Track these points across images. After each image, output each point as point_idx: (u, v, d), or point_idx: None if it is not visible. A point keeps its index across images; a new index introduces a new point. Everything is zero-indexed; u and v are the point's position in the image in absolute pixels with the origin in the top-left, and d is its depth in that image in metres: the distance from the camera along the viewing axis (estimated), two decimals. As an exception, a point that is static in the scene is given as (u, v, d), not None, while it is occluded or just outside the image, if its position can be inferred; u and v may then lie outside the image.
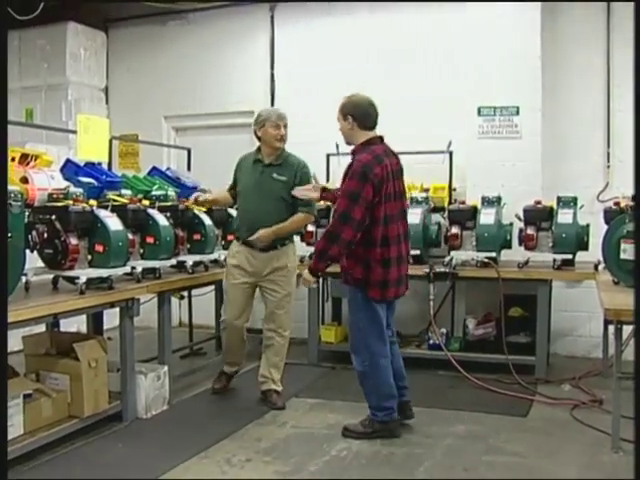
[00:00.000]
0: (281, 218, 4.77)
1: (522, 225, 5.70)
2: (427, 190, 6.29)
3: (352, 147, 4.22)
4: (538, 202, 5.70)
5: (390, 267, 4.12)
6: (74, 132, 5.11)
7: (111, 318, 5.09)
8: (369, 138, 4.15)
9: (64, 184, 4.36)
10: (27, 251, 4.03)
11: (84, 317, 5.27)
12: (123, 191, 4.84)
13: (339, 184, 4.25)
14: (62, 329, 4.97)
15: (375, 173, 3.99)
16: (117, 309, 4.51)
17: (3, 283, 3.16)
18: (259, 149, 4.85)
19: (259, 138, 4.80)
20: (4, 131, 3.11)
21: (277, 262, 4.82)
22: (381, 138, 4.20)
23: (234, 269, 4.87)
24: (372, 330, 4.14)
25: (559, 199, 5.67)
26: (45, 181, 4.29)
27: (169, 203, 5.19)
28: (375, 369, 4.17)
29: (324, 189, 4.54)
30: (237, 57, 7.58)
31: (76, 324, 6.07)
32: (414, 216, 5.83)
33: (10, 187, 3.68)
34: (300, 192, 4.58)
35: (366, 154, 4.05)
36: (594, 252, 5.26)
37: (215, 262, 5.56)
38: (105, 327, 5.28)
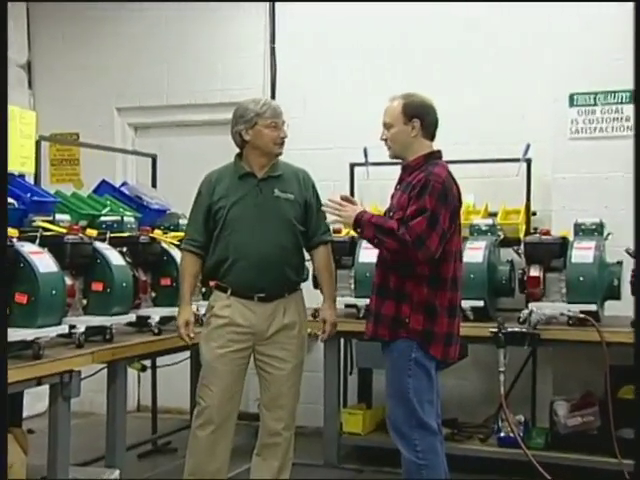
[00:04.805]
0: (297, 251, 4.80)
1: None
2: (494, 215, 6.35)
3: (405, 160, 4.40)
4: (660, 231, 5.54)
5: (455, 317, 4.32)
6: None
7: (35, 401, 4.94)
8: (432, 151, 4.40)
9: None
10: None
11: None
12: (58, 216, 4.84)
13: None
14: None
15: (454, 194, 4.26)
16: (46, 387, 4.43)
17: (3, 288, 3.51)
18: (240, 158, 4.80)
19: (243, 142, 4.73)
20: (4, 127, 3.51)
21: (285, 317, 4.72)
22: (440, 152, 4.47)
23: (222, 331, 4.68)
24: (427, 402, 4.27)
25: (693, 227, 5.51)
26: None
27: (126, 233, 5.19)
28: (432, 455, 4.26)
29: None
30: (223, 25, 7.60)
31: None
32: (475, 252, 5.81)
33: None
34: (333, 209, 4.44)
35: (440, 168, 4.28)
36: None
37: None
38: (25, 414, 5.24)
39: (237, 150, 4.80)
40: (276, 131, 4.67)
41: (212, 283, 4.92)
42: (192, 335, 4.76)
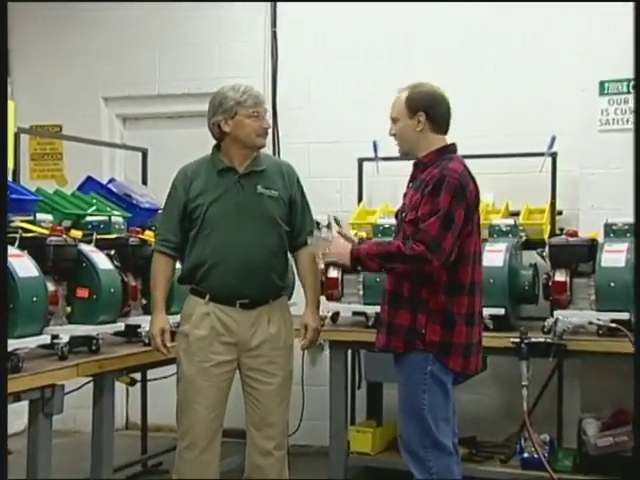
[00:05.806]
0: (282, 254, 4.82)
1: (674, 270, 5.64)
2: (516, 214, 6.36)
3: (416, 156, 4.40)
4: (702, 233, 5.56)
5: (474, 326, 4.31)
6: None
7: (13, 418, 4.96)
8: (446, 145, 4.38)
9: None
10: None
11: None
12: (39, 215, 4.91)
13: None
14: None
15: (470, 191, 4.23)
16: (25, 403, 4.42)
17: (3, 291, 3.66)
18: (218, 151, 4.82)
19: (222, 134, 4.73)
20: (4, 124, 3.73)
21: (271, 326, 4.73)
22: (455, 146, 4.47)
23: (203, 343, 4.66)
24: (443, 420, 4.26)
25: None
26: None
27: (114, 235, 5.25)
28: (448, 478, 4.25)
29: (360, 240, 4.64)
30: (219, 7, 7.61)
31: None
32: (495, 255, 5.81)
33: None
34: (327, 249, 4.45)
35: (455, 162, 4.27)
36: None
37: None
38: (3, 433, 5.17)
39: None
40: (258, 121, 4.66)
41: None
42: (169, 345, 4.75)
